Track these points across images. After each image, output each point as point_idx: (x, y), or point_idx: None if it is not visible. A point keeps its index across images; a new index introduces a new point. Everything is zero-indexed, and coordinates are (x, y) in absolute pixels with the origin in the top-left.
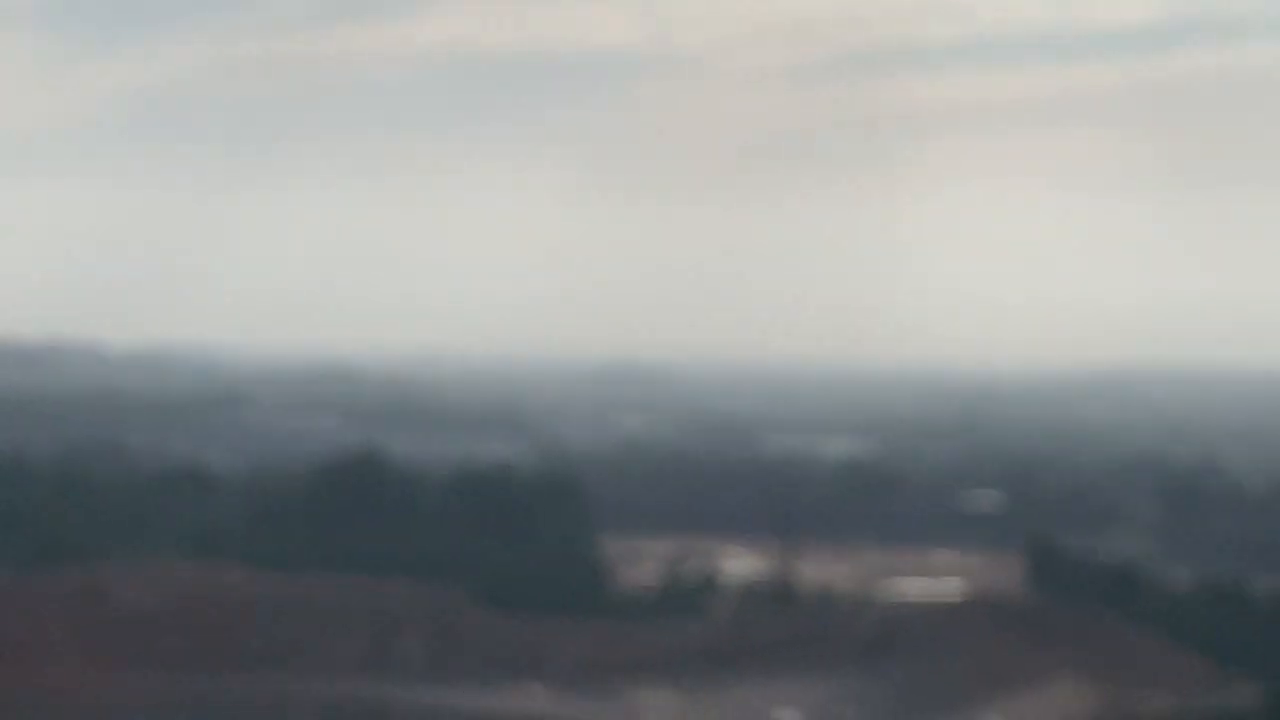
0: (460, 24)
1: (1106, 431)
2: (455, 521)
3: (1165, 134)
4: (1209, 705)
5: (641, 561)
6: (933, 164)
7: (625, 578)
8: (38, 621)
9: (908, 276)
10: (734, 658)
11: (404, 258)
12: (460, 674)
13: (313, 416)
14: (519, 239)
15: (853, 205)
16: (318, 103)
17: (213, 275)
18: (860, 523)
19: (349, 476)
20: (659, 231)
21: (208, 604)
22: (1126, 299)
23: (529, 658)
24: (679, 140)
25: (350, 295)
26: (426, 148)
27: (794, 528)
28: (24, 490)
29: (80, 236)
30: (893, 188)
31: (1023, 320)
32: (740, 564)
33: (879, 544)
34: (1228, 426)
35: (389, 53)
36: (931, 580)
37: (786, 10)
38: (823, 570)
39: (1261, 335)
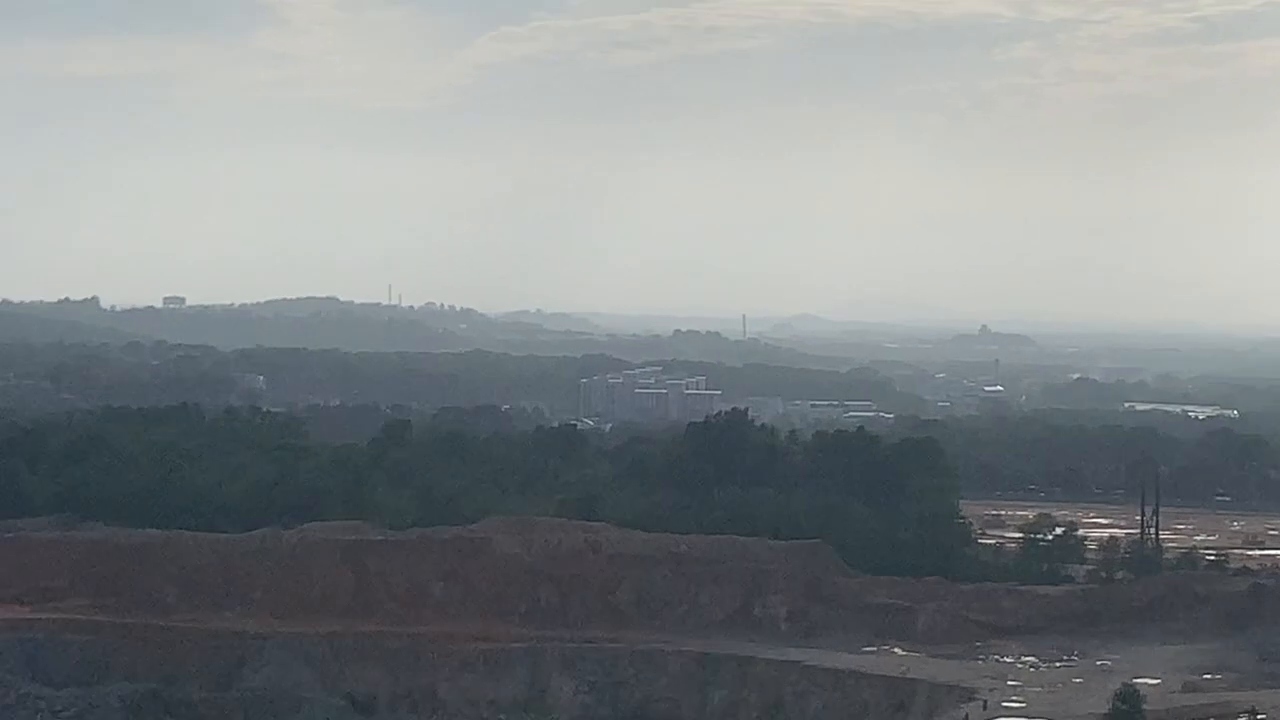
0: None
1: None
2: (819, 482)
3: None
4: None
5: (1003, 524)
6: None
7: (987, 539)
8: (420, 573)
9: (1270, 244)
10: (1096, 621)
11: (766, 226)
12: (824, 632)
13: (680, 380)
14: (880, 207)
15: (1216, 171)
16: (685, 75)
17: (583, 245)
18: (1225, 487)
19: (717, 437)
20: (1018, 198)
21: (581, 559)
22: None
23: (891, 618)
24: (1040, 106)
25: (714, 263)
26: (790, 117)
27: (1158, 492)
28: (407, 448)
29: (458, 208)
30: (1257, 153)
31: None
32: (1103, 527)
33: (1243, 508)
34: None
35: (755, 24)
36: None
37: None
38: (1186, 534)
39: None
